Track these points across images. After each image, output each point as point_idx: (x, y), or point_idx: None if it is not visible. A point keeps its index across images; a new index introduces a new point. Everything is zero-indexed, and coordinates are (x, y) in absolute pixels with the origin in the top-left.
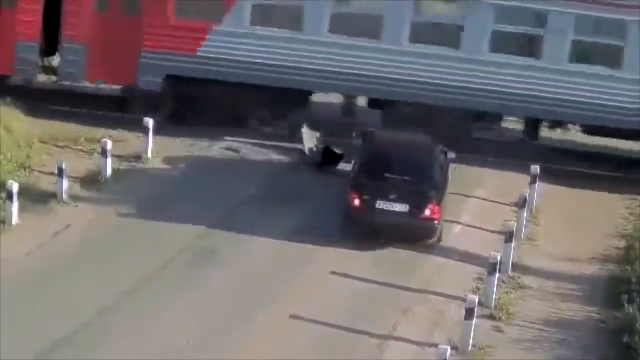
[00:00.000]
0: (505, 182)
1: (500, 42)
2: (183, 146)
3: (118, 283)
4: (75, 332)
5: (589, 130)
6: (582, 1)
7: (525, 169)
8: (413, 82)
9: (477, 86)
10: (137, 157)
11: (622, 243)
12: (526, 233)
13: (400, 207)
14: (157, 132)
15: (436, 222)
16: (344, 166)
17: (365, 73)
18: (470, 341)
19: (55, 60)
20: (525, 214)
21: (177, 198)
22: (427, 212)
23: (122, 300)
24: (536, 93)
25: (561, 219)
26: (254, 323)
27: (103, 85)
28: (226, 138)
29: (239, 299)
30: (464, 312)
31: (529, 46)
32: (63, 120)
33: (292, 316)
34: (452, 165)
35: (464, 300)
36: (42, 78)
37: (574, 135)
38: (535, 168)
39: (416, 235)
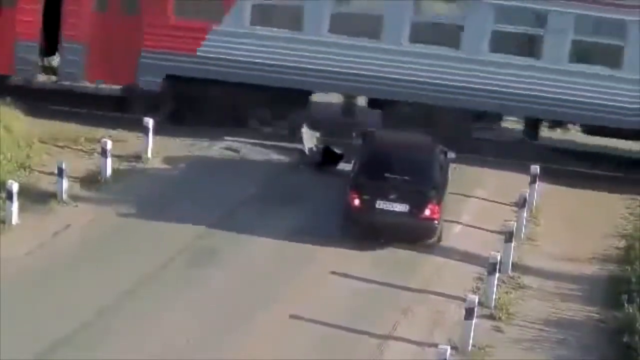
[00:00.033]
0: (505, 182)
1: (500, 42)
2: (183, 146)
3: (118, 283)
4: (75, 332)
5: (589, 130)
6: (582, 1)
7: (525, 169)
8: (413, 82)
9: (477, 86)
10: (137, 157)
11: (622, 243)
12: (526, 233)
13: (400, 207)
14: (157, 132)
15: (436, 222)
16: (344, 166)
17: (365, 73)
18: (470, 341)
19: (55, 60)
20: (525, 214)
21: (177, 198)
22: (427, 212)
23: (122, 300)
24: (536, 93)
25: (561, 219)
26: (254, 323)
27: (103, 85)
28: (226, 138)
29: (239, 299)
30: (464, 312)
31: (529, 46)
32: (63, 120)
33: (292, 316)
34: (452, 165)
35: (464, 300)
36: (42, 78)
37: (574, 135)
38: (535, 168)
39: (416, 235)
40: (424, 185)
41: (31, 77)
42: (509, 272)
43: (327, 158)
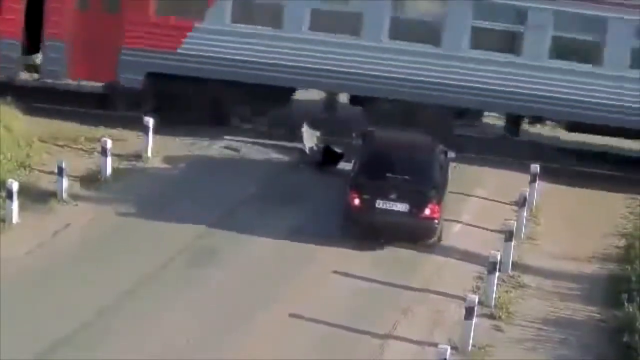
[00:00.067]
0: (505, 182)
1: (481, 39)
2: (183, 145)
3: (118, 283)
4: (75, 332)
5: (571, 127)
6: None
7: (525, 168)
8: (393, 79)
9: (457, 83)
10: (137, 156)
11: (622, 242)
12: (526, 232)
13: (401, 207)
14: (157, 131)
15: (436, 221)
16: (344, 166)
17: (346, 70)
18: (470, 341)
19: (37, 58)
20: (525, 213)
21: (177, 197)
22: (427, 212)
23: (122, 300)
24: (517, 89)
25: (561, 218)
26: (254, 323)
27: (85, 83)
28: (226, 137)
29: (239, 298)
30: (464, 311)
31: (510, 43)
32: (63, 120)
33: (292, 316)
34: (452, 165)
35: (464, 299)
36: (24, 76)
37: (575, 135)
38: (535, 167)
39: (416, 234)
40: (424, 185)
41: (13, 75)
42: (509, 271)
43: (327, 157)
